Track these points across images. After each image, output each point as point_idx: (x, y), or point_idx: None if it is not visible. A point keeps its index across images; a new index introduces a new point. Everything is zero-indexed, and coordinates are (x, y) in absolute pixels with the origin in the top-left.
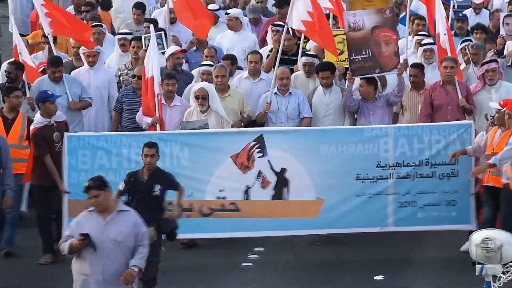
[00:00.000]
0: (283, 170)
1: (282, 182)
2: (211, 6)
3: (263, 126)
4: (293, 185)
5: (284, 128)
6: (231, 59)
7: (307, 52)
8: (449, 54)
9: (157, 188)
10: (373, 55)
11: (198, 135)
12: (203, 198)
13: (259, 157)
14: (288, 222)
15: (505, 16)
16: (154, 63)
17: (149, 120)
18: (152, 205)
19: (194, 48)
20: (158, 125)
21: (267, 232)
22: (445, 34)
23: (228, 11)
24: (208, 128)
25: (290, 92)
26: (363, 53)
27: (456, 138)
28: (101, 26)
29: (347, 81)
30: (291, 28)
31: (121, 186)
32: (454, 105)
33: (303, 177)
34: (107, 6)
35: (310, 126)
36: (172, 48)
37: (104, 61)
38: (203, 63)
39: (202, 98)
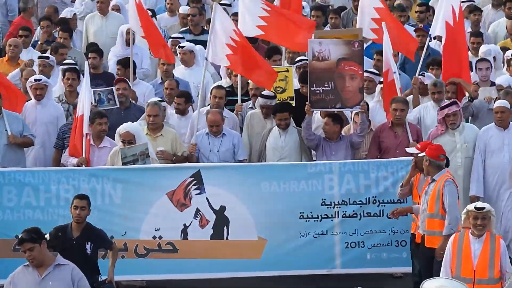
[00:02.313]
0: (222, 208)
1: (221, 221)
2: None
3: None
4: (233, 224)
5: (223, 164)
6: (186, 97)
7: (264, 94)
8: (398, 94)
9: (89, 246)
10: (336, 89)
11: (132, 171)
12: (137, 238)
13: (196, 194)
14: (229, 264)
15: (477, 61)
16: (85, 101)
17: (74, 161)
18: (84, 266)
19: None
20: (84, 167)
21: (207, 274)
22: (395, 72)
23: (183, 44)
24: (148, 153)
25: (223, 133)
26: (325, 85)
27: (404, 174)
28: (48, 58)
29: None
30: None
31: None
32: (403, 148)
33: (243, 216)
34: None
35: None
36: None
37: (52, 95)
38: (152, 99)
39: (129, 142)
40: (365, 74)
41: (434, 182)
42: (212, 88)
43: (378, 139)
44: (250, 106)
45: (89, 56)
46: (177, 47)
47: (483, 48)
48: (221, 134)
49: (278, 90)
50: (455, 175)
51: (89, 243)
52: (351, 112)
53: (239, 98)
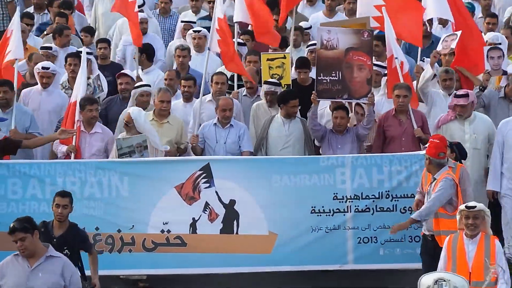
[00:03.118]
0: (232, 202)
1: (231, 215)
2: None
3: None
4: (243, 218)
5: (233, 157)
6: (194, 79)
7: (269, 80)
8: (401, 80)
9: (65, 252)
10: (343, 79)
11: (139, 163)
12: (145, 232)
13: (205, 187)
14: (239, 258)
15: (489, 50)
16: (80, 87)
17: (64, 148)
18: None
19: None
20: (73, 154)
21: (216, 268)
22: (396, 58)
23: (197, 28)
24: (146, 145)
25: (231, 124)
26: (333, 75)
27: (418, 169)
28: (50, 48)
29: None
30: None
31: None
32: (408, 137)
33: (254, 210)
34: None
35: None
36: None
37: (60, 83)
38: (138, 84)
39: (127, 125)
40: (374, 68)
41: (435, 181)
42: (213, 75)
43: (383, 128)
44: (244, 94)
45: (99, 46)
46: (190, 32)
47: (489, 35)
48: (228, 124)
49: (275, 78)
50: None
51: (66, 249)
52: (352, 103)
53: (235, 84)
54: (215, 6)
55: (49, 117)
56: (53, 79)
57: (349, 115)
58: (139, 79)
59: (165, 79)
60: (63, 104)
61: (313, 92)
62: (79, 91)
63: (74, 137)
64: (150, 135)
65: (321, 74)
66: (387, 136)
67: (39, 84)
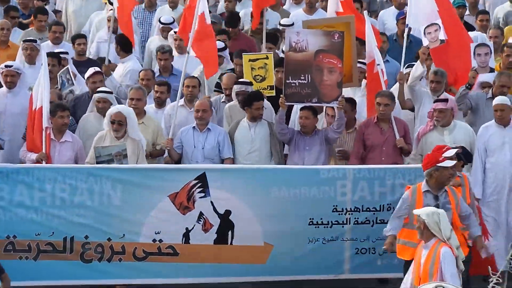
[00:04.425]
0: (228, 212)
1: (226, 225)
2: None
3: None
4: (238, 230)
5: (229, 166)
6: (168, 85)
7: (240, 80)
8: (383, 87)
9: None
10: (313, 82)
11: (133, 170)
12: (137, 241)
13: (200, 197)
14: (233, 268)
15: (476, 46)
16: (44, 92)
17: (33, 156)
18: None
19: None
20: (44, 163)
21: (208, 278)
22: (378, 65)
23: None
24: (126, 154)
25: (208, 128)
26: (302, 78)
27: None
28: (35, 41)
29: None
30: None
31: None
32: (390, 146)
33: (249, 221)
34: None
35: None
36: (90, 70)
37: (27, 83)
38: (99, 89)
39: (118, 123)
40: (358, 65)
41: (446, 192)
42: (186, 77)
43: (363, 136)
44: (222, 100)
45: (77, 42)
46: (171, 33)
47: (475, 37)
48: (206, 128)
49: (258, 79)
50: None
51: None
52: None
53: (206, 90)
54: (197, 3)
55: (16, 120)
56: (18, 79)
57: (318, 116)
58: (112, 66)
59: (142, 79)
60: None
61: (281, 96)
62: (44, 95)
63: (44, 144)
64: (139, 135)
65: (290, 77)
66: (367, 144)
67: (4, 85)
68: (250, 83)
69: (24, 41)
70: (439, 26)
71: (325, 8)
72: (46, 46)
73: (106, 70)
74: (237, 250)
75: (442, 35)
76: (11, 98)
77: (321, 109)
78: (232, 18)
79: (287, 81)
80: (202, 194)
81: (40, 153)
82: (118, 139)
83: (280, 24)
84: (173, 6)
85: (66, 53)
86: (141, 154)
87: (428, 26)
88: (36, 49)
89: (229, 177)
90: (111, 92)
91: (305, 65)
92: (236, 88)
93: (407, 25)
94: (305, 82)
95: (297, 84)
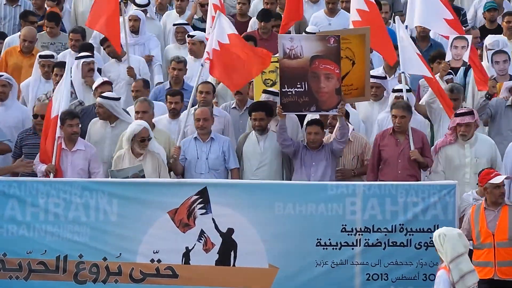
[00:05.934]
0: (230, 230)
1: (228, 245)
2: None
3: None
4: (241, 249)
5: (232, 181)
6: (181, 95)
7: (268, 89)
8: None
9: None
10: (310, 90)
11: (130, 185)
12: (133, 261)
13: (201, 214)
14: None
15: (493, 54)
16: (63, 100)
17: (43, 167)
18: None
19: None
20: (52, 175)
21: None
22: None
23: (192, 33)
24: (143, 175)
25: (212, 137)
26: (298, 86)
27: (437, 201)
28: (52, 57)
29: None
30: None
31: None
32: (405, 159)
33: (253, 240)
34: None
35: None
36: (98, 80)
37: (16, 95)
38: (103, 94)
39: (148, 139)
40: (372, 80)
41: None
42: (199, 83)
43: (378, 147)
44: (233, 106)
45: (70, 37)
46: (186, 36)
47: (489, 39)
48: (209, 138)
49: (268, 83)
50: (462, 192)
51: None
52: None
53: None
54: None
55: (11, 134)
56: (9, 89)
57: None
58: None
59: (132, 91)
60: (24, 118)
61: (278, 105)
62: (62, 104)
63: (54, 155)
64: (159, 150)
65: (286, 86)
66: (382, 156)
67: None
68: (277, 93)
69: (41, 56)
70: (468, 43)
71: (347, 9)
72: (68, 54)
73: (130, 70)
74: (241, 272)
75: (466, 57)
76: (4, 111)
77: (325, 121)
78: (266, 12)
79: (283, 90)
80: (203, 211)
81: (49, 165)
82: (138, 156)
83: (305, 32)
84: (180, 12)
85: (92, 56)
86: (162, 169)
87: (456, 38)
88: (53, 64)
89: (232, 192)
90: (114, 99)
91: (301, 73)
92: (263, 97)
93: (407, 26)
94: (302, 90)
95: (293, 92)
